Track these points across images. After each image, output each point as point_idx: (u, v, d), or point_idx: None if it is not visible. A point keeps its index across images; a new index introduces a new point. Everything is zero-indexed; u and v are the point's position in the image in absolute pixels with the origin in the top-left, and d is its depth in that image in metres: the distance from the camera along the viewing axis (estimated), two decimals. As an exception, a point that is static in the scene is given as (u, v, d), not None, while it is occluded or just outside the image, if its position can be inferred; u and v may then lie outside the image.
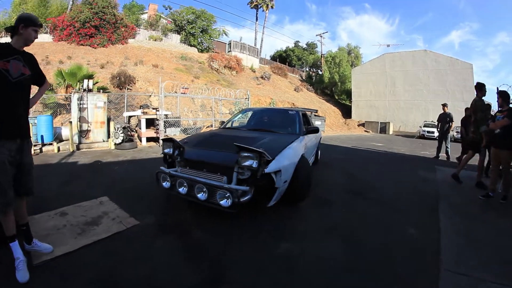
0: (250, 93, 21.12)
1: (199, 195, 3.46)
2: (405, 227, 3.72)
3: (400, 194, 5.33)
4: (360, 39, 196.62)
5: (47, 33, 21.83)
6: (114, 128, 9.18)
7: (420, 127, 26.59)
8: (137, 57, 20.65)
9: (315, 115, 9.54)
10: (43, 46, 19.57)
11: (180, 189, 3.63)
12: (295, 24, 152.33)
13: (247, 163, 3.44)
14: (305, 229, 3.54)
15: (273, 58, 50.64)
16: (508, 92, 5.32)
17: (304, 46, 57.10)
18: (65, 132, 9.30)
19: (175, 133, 12.08)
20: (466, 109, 9.54)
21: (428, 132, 24.46)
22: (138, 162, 7.04)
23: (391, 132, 30.20)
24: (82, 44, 20.99)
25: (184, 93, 11.17)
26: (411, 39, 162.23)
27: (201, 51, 28.41)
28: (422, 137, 24.63)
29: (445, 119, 10.58)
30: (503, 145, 5.19)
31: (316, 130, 5.78)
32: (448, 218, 4.08)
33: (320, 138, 8.47)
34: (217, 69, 24.41)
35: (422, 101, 32.92)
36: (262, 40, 43.06)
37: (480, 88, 6.44)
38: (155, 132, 10.03)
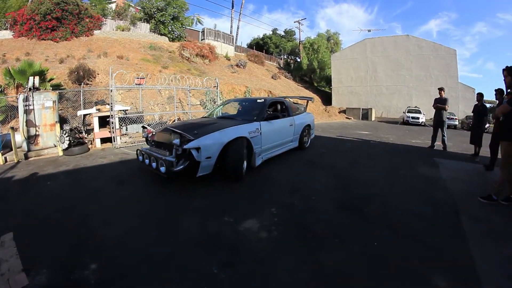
0: (224, 82, 20.17)
1: (152, 164, 4.81)
2: (432, 273, 2.54)
3: (407, 206, 4.17)
4: (339, 27, 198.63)
5: (7, 29, 20.06)
6: (60, 131, 8.01)
7: (404, 112, 26.20)
8: (102, 49, 19.22)
9: (294, 103, 8.96)
10: (2, 44, 18.05)
11: (146, 161, 5.07)
12: (273, 13, 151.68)
13: (174, 141, 4.71)
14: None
15: (250, 46, 49.20)
16: None
17: (282, 33, 55.97)
18: (17, 139, 7.87)
19: (137, 131, 11.02)
20: (478, 94, 8.67)
21: (413, 118, 23.91)
22: (78, 173, 5.84)
23: (373, 119, 29.81)
24: (43, 39, 19.34)
25: (139, 84, 9.87)
26: (390, 27, 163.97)
27: (172, 40, 26.98)
28: (406, 123, 24.09)
29: (441, 105, 9.52)
30: (504, 135, 4.34)
31: (275, 116, 6.81)
32: (480, 245, 3.08)
33: (307, 125, 8.55)
34: (188, 58, 23.09)
35: (405, 87, 32.81)
36: (238, 28, 41.90)
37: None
38: (109, 132, 8.86)
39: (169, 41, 26.49)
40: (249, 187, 4.82)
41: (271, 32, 54.88)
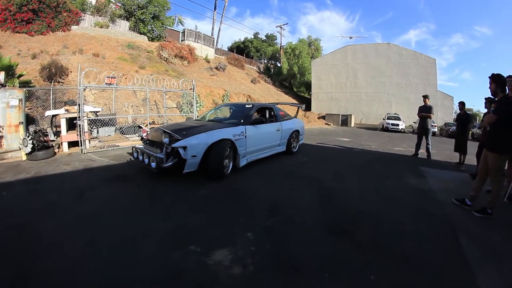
0: (203, 85, 19.89)
1: (145, 160, 5.52)
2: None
3: (400, 225, 3.87)
4: (320, 34, 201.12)
5: (-19, 19, 19.19)
6: (24, 133, 7.53)
7: (383, 119, 26.78)
8: (78, 46, 18.56)
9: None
10: (-25, 36, 17.19)
11: (140, 157, 5.76)
12: (256, 17, 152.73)
13: (164, 140, 5.43)
14: None
15: (231, 49, 49.04)
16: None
17: (264, 38, 56.25)
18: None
19: (110, 134, 10.66)
20: (460, 103, 8.69)
21: (393, 124, 24.45)
22: (38, 182, 5.39)
23: (352, 125, 30.29)
24: (17, 32, 18.32)
25: (109, 83, 9.41)
26: (370, 36, 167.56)
27: (152, 39, 26.44)
28: (386, 129, 24.62)
29: (426, 113, 9.49)
30: (490, 146, 4.32)
31: (261, 121, 7.37)
32: (483, 267, 2.91)
33: (295, 130, 9.03)
34: (167, 59, 22.67)
35: (385, 94, 33.61)
36: (219, 30, 41.69)
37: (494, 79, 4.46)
38: (77, 135, 8.28)
39: (148, 40, 25.98)
40: (222, 205, 4.39)
41: (252, 36, 55.03)
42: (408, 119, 28.80)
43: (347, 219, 4.02)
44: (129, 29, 25.76)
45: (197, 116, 11.84)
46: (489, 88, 4.29)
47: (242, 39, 54.87)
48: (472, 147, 7.88)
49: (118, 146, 8.93)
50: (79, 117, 8.13)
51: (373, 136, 18.55)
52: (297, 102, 10.80)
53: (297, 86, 43.22)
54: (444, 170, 7.90)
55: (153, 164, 5.23)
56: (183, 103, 15.21)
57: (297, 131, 9.24)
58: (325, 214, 4.20)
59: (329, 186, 5.67)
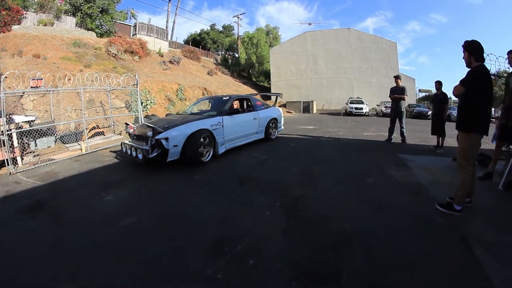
0: (154, 80, 19.33)
1: (133, 153, 6.24)
2: None
3: (401, 246, 3.00)
4: (279, 24, 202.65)
5: None
6: None
7: (346, 103, 27.14)
8: (17, 47, 17.36)
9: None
10: None
11: (128, 151, 6.50)
12: (213, 9, 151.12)
13: (148, 133, 6.06)
14: None
15: (187, 41, 48.40)
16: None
17: (221, 29, 56.10)
18: None
19: (49, 145, 10.01)
20: (437, 83, 8.46)
21: (357, 108, 25.05)
22: None
23: (315, 111, 30.65)
24: None
25: (36, 86, 8.58)
26: (328, 24, 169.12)
27: (101, 35, 25.16)
28: (350, 114, 25.07)
29: (399, 94, 9.15)
30: (459, 125, 3.75)
31: (237, 111, 8.30)
32: None
33: (273, 118, 9.65)
34: (115, 55, 21.61)
35: (346, 78, 34.39)
36: (174, 23, 40.79)
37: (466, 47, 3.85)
38: (5, 152, 7.02)
39: (97, 36, 24.68)
40: (147, 246, 3.17)
41: (209, 28, 54.38)
42: (370, 103, 29.40)
43: (328, 251, 2.94)
44: (76, 26, 24.49)
45: (142, 115, 11.57)
46: (463, 58, 3.79)
47: (198, 31, 54.27)
48: (448, 127, 7.78)
49: (54, 159, 8.12)
50: (1, 131, 7.15)
51: (338, 122, 18.54)
52: (277, 92, 11.34)
53: (256, 75, 43.17)
54: (425, 156, 7.54)
55: (140, 156, 6.00)
56: (131, 101, 14.51)
57: (275, 119, 9.85)
58: (295, 246, 3.05)
59: (296, 196, 4.56)
